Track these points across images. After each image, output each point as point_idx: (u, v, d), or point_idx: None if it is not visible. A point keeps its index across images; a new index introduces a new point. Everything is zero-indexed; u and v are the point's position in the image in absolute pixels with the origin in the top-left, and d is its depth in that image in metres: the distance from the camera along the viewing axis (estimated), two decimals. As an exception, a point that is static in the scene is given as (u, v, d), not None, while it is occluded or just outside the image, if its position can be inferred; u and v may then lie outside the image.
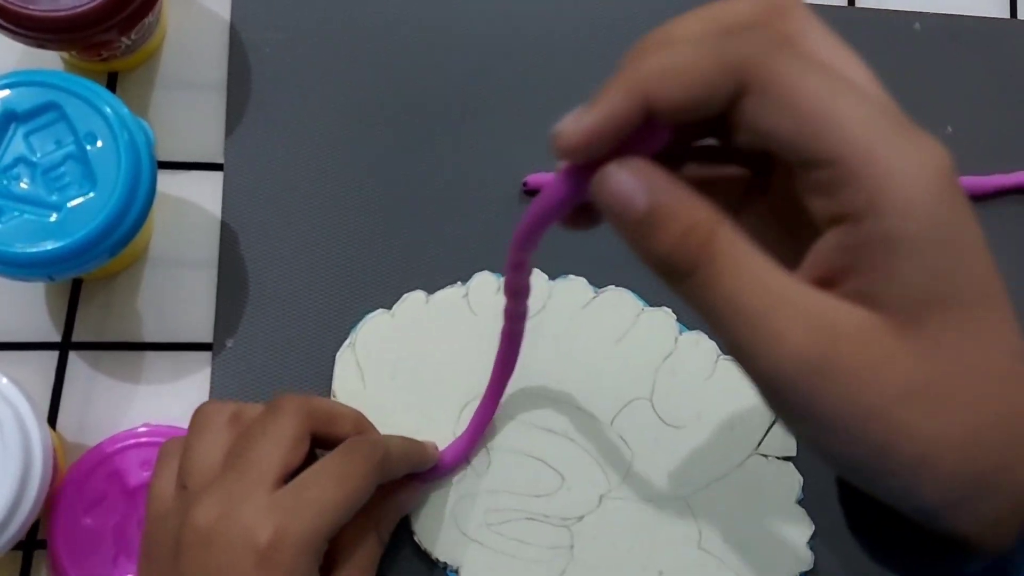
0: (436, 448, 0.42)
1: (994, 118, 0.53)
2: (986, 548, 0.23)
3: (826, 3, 0.53)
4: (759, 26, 0.25)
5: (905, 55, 0.53)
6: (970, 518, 0.23)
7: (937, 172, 0.23)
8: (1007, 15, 0.55)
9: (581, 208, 0.27)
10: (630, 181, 0.24)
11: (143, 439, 0.42)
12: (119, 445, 0.42)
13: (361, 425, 0.39)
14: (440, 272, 0.47)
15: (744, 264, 0.23)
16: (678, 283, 0.24)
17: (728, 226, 0.24)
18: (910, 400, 0.22)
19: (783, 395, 0.23)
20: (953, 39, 0.54)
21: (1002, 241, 0.52)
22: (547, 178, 0.48)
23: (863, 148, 0.23)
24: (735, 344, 0.23)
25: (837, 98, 0.23)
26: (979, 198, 0.52)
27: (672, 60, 0.24)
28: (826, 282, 0.24)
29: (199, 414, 0.37)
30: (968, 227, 0.23)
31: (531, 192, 0.49)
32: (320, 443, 0.38)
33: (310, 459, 0.37)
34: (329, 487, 0.34)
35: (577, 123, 0.25)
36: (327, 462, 0.35)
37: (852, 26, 0.53)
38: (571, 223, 0.28)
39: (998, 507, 0.23)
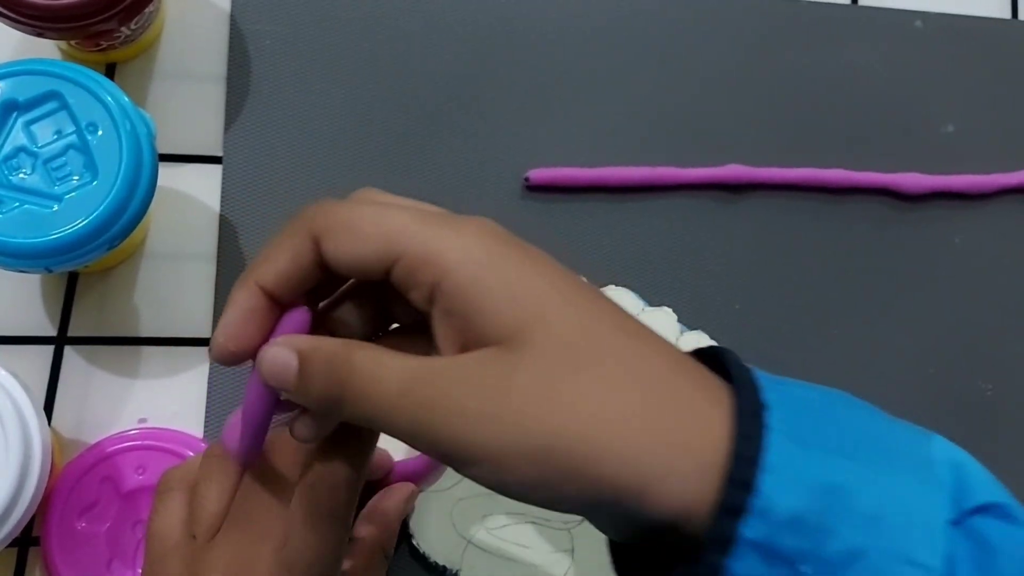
0: (390, 459, 0.41)
1: (995, 117, 0.53)
2: (692, 523, 0.25)
3: (829, 1, 0.53)
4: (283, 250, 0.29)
5: (907, 53, 0.53)
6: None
7: (482, 233, 0.27)
8: (1008, 15, 0.55)
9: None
10: (279, 351, 0.28)
11: (138, 442, 0.41)
12: (114, 448, 0.41)
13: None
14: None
15: (379, 362, 0.27)
16: (337, 412, 0.28)
17: (364, 348, 0.28)
18: (479, 422, 0.26)
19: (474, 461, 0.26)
20: (955, 38, 0.54)
21: (1003, 241, 0.52)
22: (550, 174, 0.48)
23: (416, 238, 0.27)
24: (424, 446, 0.27)
25: (387, 216, 0.28)
26: (979, 197, 0.52)
27: (266, 255, 0.29)
28: (464, 348, 0.27)
29: (211, 455, 0.34)
30: (529, 259, 0.27)
31: (533, 188, 0.48)
32: None
33: None
34: (316, 542, 0.31)
35: (220, 330, 0.29)
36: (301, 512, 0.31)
37: (854, 24, 0.53)
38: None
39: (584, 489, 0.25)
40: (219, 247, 0.46)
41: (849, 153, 0.51)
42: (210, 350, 0.29)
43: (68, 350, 0.44)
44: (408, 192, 0.47)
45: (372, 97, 0.48)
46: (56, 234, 0.37)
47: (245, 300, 0.29)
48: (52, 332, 0.44)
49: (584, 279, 0.29)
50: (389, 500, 0.40)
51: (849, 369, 0.48)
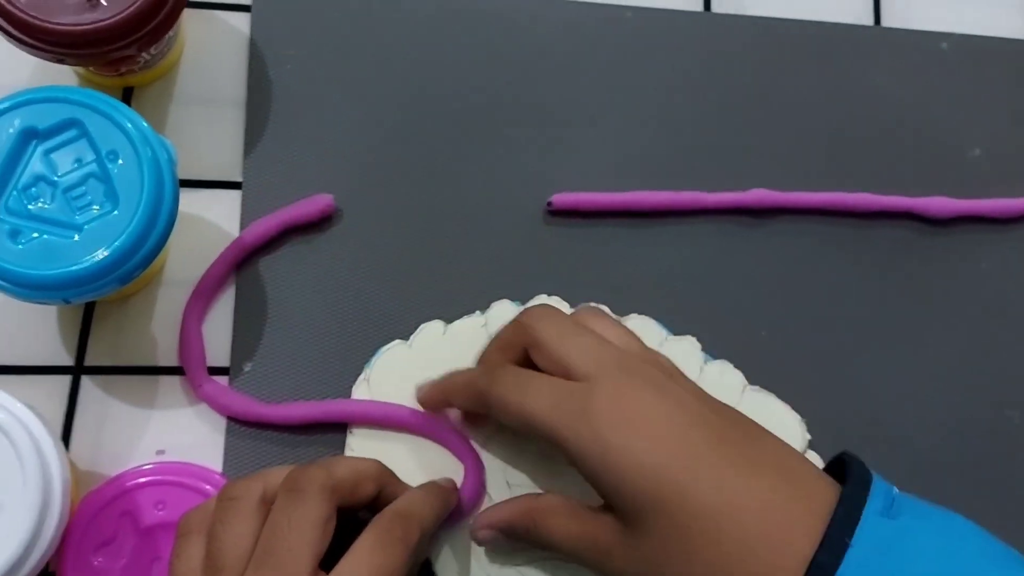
0: (456, 487, 0.40)
1: (1022, 140, 0.53)
2: None
3: (853, 22, 0.53)
4: (503, 349, 0.39)
5: (932, 76, 0.53)
6: None
7: (595, 421, 0.33)
8: (1035, 37, 0.54)
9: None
10: (488, 533, 0.39)
11: (158, 476, 0.41)
12: (133, 482, 0.40)
13: (383, 478, 0.37)
14: (459, 300, 0.45)
15: (556, 524, 0.37)
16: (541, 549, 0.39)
17: (540, 511, 0.37)
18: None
19: None
20: (981, 60, 0.53)
21: (1033, 264, 0.51)
22: (573, 198, 0.47)
23: (547, 430, 0.35)
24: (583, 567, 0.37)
25: (528, 399, 0.36)
26: (1007, 221, 0.51)
27: (457, 384, 0.40)
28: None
29: (225, 498, 0.35)
30: (631, 447, 0.33)
31: (556, 212, 0.48)
32: (345, 507, 0.36)
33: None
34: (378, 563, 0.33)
35: (421, 393, 0.42)
36: (364, 552, 0.33)
37: (879, 45, 0.53)
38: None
39: None
40: (237, 274, 0.45)
41: (874, 177, 0.51)
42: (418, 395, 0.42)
43: (85, 380, 0.43)
44: (429, 219, 0.46)
45: (393, 122, 0.48)
46: (76, 266, 0.37)
47: (439, 401, 0.41)
48: (69, 362, 0.43)
49: (711, 410, 0.35)
50: None
51: (875, 395, 0.48)
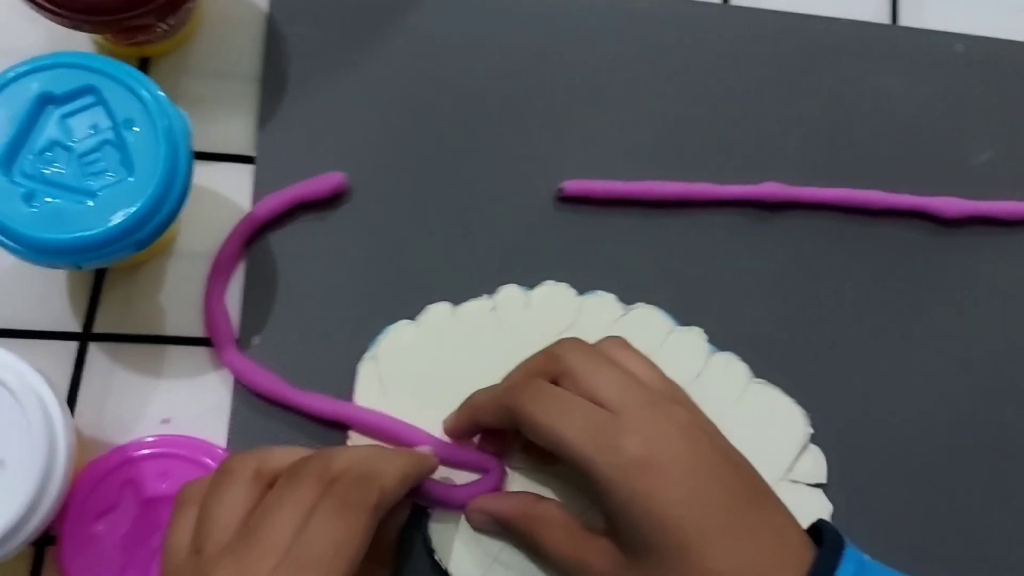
0: (434, 456, 0.40)
1: (1033, 144, 0.53)
2: None
3: (870, 19, 0.53)
4: (531, 376, 0.39)
5: (946, 77, 0.53)
6: None
7: (627, 459, 0.35)
8: (1051, 41, 0.54)
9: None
10: (483, 518, 0.41)
11: (162, 449, 0.41)
12: (137, 452, 0.41)
13: (412, 473, 0.38)
14: (467, 282, 0.45)
15: (553, 536, 0.38)
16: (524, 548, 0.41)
17: (539, 519, 0.39)
18: None
19: None
20: (996, 63, 0.53)
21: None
22: (585, 185, 0.47)
23: (578, 456, 0.36)
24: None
25: (561, 424, 0.36)
26: (1017, 224, 0.51)
27: (484, 401, 0.40)
28: (616, 533, 0.37)
29: (221, 471, 0.35)
30: (656, 493, 0.34)
31: (567, 199, 0.48)
32: None
33: None
34: (326, 563, 0.32)
35: (447, 422, 0.42)
36: (321, 521, 0.33)
37: (893, 43, 0.52)
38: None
39: None
40: (248, 248, 0.45)
41: (884, 175, 0.51)
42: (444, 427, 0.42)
43: (92, 347, 0.43)
44: (441, 200, 0.47)
45: (407, 104, 0.48)
46: (89, 231, 0.37)
47: (466, 423, 0.41)
48: (77, 328, 0.43)
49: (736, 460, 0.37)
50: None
51: (879, 392, 0.48)
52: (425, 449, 0.41)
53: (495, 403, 0.39)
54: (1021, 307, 0.51)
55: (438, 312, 0.44)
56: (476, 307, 0.45)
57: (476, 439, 0.42)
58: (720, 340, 0.46)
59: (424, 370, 0.43)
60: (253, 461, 0.36)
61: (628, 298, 0.46)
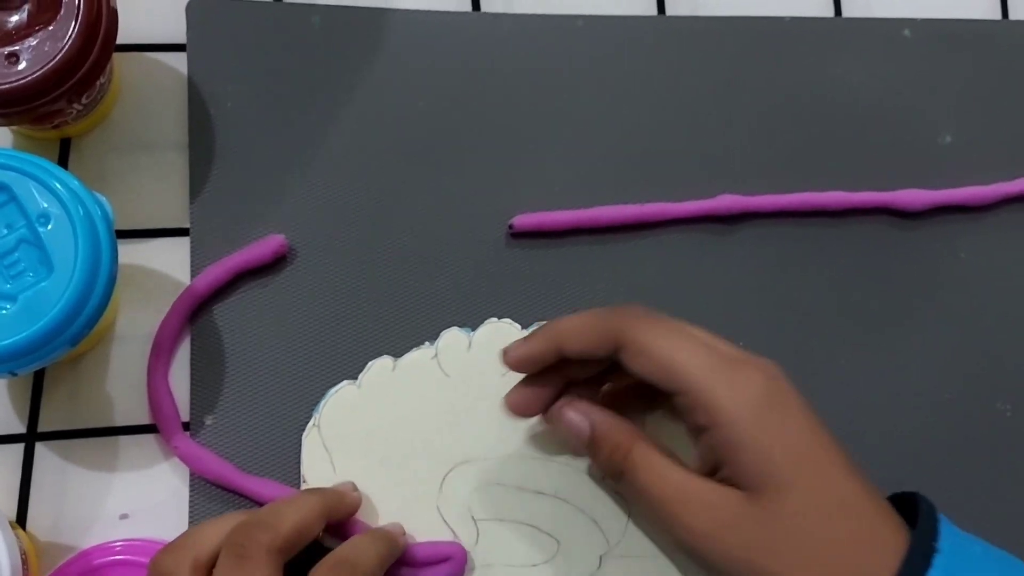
0: (403, 532, 0.40)
1: (993, 123, 0.51)
2: None
3: (812, 15, 0.51)
4: (629, 306, 0.37)
5: (896, 64, 0.51)
6: None
7: (754, 391, 0.34)
8: (999, 16, 0.53)
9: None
10: (576, 417, 0.38)
11: (120, 557, 0.39)
12: (95, 562, 0.39)
13: (329, 510, 0.37)
14: (413, 332, 0.44)
15: (652, 467, 0.36)
16: (616, 482, 0.38)
17: (641, 442, 0.36)
18: (749, 551, 0.34)
19: (693, 552, 0.35)
20: (945, 44, 0.52)
21: (1010, 251, 0.50)
22: (535, 219, 0.46)
23: (697, 384, 0.34)
24: (657, 520, 0.36)
25: (678, 350, 0.35)
26: (983, 208, 0.50)
27: (575, 323, 0.37)
28: (710, 471, 0.36)
29: (156, 571, 0.34)
30: (785, 424, 0.34)
31: (519, 235, 0.46)
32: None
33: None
34: None
35: (516, 350, 0.38)
36: None
37: (840, 36, 0.51)
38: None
39: None
40: (192, 325, 0.43)
41: (844, 173, 0.49)
42: (503, 353, 0.38)
43: (40, 447, 0.42)
44: (386, 250, 0.45)
45: (345, 151, 0.46)
46: (15, 338, 0.35)
47: (543, 349, 0.37)
48: (21, 429, 0.42)
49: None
50: None
51: (861, 398, 0.46)
52: (394, 527, 0.39)
53: (596, 326, 0.36)
54: (996, 293, 0.49)
55: (379, 368, 0.43)
56: (418, 356, 0.43)
57: (562, 402, 0.38)
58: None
59: (368, 430, 0.42)
60: (186, 553, 0.34)
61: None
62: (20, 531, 0.40)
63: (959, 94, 0.51)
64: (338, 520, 0.38)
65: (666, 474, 0.35)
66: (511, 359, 0.37)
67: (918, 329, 0.48)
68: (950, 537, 0.33)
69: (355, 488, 0.40)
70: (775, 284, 0.48)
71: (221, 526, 0.35)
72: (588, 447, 0.37)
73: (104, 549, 0.40)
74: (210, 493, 0.41)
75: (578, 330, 0.36)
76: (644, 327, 0.35)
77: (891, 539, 0.33)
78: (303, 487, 0.41)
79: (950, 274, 0.49)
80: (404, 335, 0.44)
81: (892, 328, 0.48)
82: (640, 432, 0.37)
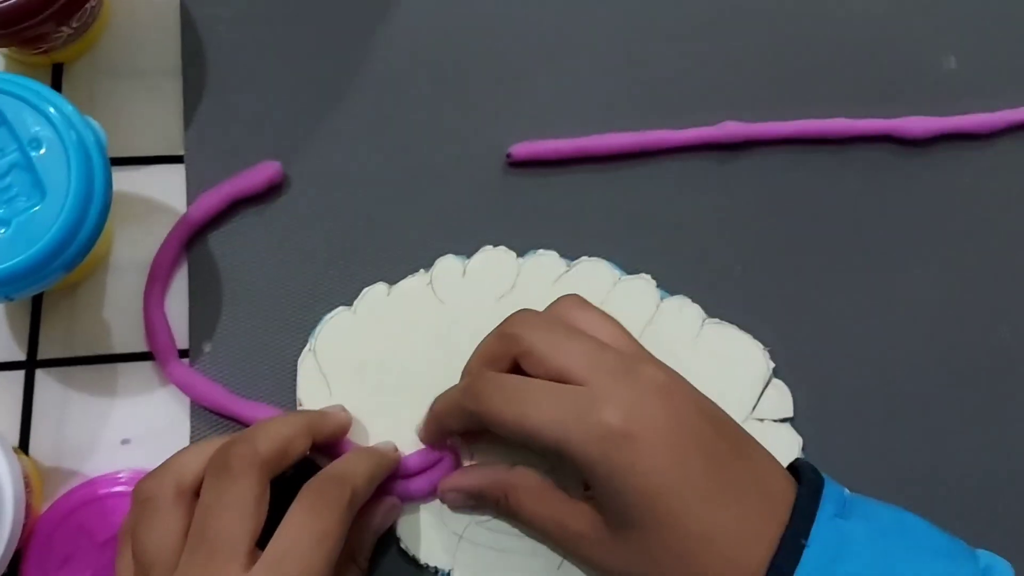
0: (396, 450, 0.40)
1: (998, 47, 0.50)
2: None
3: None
4: (489, 364, 0.37)
5: (903, -13, 0.50)
6: None
7: (605, 434, 0.33)
8: (1009, -64, 0.51)
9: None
10: (452, 495, 0.39)
11: (124, 488, 0.39)
12: (100, 491, 0.39)
13: (314, 429, 0.37)
14: (408, 259, 0.44)
15: (529, 506, 0.37)
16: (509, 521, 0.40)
17: (514, 488, 0.38)
18: (628, 567, 0.35)
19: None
20: (954, -34, 0.50)
21: (1014, 180, 0.49)
22: (532, 147, 0.45)
23: (553, 443, 0.34)
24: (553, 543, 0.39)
25: (529, 413, 0.34)
26: (987, 136, 0.49)
27: (443, 406, 0.39)
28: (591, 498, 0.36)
29: (139, 499, 0.34)
30: (636, 465, 0.33)
31: (517, 164, 0.46)
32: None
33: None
34: (306, 554, 0.32)
35: (419, 435, 0.40)
36: (296, 522, 0.33)
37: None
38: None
39: None
40: (189, 252, 0.43)
41: (848, 100, 0.48)
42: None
43: (40, 374, 0.42)
44: (381, 177, 0.44)
45: (340, 78, 0.45)
46: (9, 262, 0.35)
47: (434, 437, 0.40)
48: (21, 356, 0.42)
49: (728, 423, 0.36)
50: (366, 514, 0.38)
51: (862, 325, 0.46)
52: (386, 445, 0.39)
53: (457, 408, 0.38)
54: (1000, 222, 0.49)
55: (374, 294, 0.43)
56: (413, 283, 0.43)
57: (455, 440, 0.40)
58: (689, 288, 0.45)
59: (364, 356, 0.42)
60: (169, 477, 0.34)
61: (571, 253, 0.44)
62: (23, 456, 0.40)
63: (964, 16, 0.50)
64: (326, 440, 0.38)
65: (540, 510, 0.37)
66: (421, 439, 0.40)
67: (919, 257, 0.48)
68: (824, 529, 0.33)
69: (344, 410, 0.40)
70: (777, 213, 0.47)
71: (205, 449, 0.35)
72: (476, 508, 0.40)
73: (109, 479, 0.40)
74: (210, 419, 0.41)
75: (448, 414, 0.38)
76: (494, 399, 0.35)
77: (756, 558, 0.33)
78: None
79: (953, 202, 0.49)
80: (399, 262, 0.43)
81: (894, 256, 0.47)
82: (509, 474, 0.38)
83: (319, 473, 0.35)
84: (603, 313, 0.38)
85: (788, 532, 0.33)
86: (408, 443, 0.40)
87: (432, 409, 0.39)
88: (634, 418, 0.33)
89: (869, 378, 0.45)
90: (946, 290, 0.47)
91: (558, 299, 0.39)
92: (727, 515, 0.33)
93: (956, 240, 0.48)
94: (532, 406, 0.35)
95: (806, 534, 0.32)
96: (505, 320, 0.38)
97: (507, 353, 0.37)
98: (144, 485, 0.34)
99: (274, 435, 0.35)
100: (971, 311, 0.47)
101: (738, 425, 0.37)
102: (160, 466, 0.35)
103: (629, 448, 0.33)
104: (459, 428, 0.39)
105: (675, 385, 0.35)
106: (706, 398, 0.37)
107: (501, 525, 0.40)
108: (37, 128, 0.36)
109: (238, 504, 0.33)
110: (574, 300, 0.39)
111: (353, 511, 0.35)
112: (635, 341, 0.38)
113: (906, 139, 0.48)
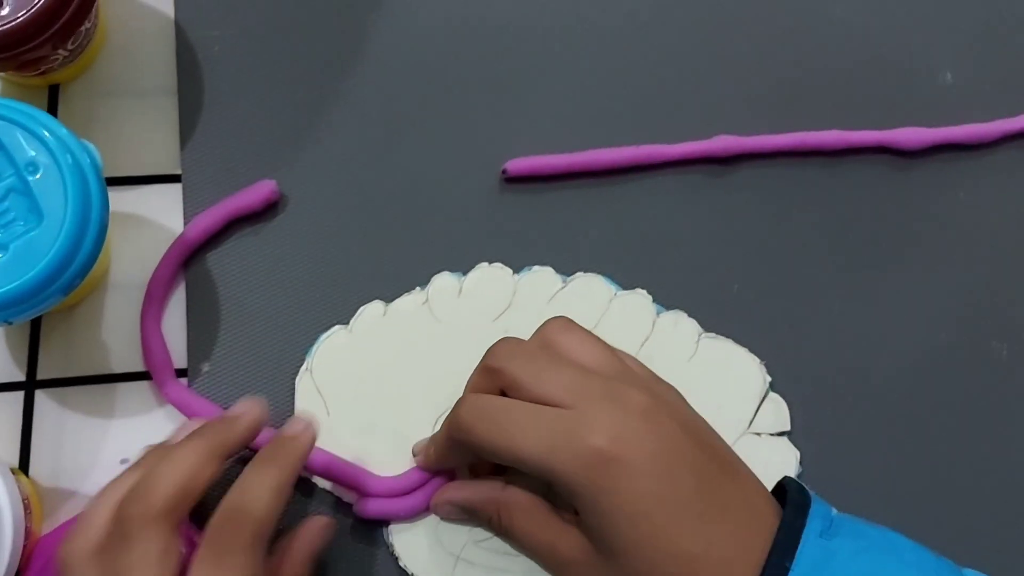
0: (311, 423, 0.37)
1: (994, 60, 0.50)
2: None
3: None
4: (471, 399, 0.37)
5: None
6: None
7: (589, 460, 0.33)
8: (1002, -52, 0.51)
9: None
10: (447, 508, 0.40)
11: None
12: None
13: (218, 448, 0.35)
14: (406, 277, 0.44)
15: (520, 525, 0.37)
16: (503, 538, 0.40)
17: (506, 505, 0.38)
18: None
19: None
20: (948, -21, 0.50)
21: (1011, 191, 0.49)
22: (528, 163, 0.45)
23: (541, 465, 0.34)
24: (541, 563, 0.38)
25: (513, 438, 0.35)
26: (983, 147, 0.49)
27: (438, 443, 0.39)
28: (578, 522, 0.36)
29: (61, 563, 0.33)
30: (620, 489, 0.33)
31: (512, 180, 0.46)
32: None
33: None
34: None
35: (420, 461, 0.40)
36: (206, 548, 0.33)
37: (842, -28, 0.50)
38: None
39: None
40: (187, 272, 0.43)
41: (843, 112, 0.49)
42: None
43: (39, 394, 0.42)
44: (383, 195, 0.45)
45: (335, 96, 0.46)
46: (7, 287, 0.35)
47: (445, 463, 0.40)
48: (20, 377, 0.42)
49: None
50: (300, 536, 0.37)
51: (858, 338, 0.46)
52: (295, 423, 0.37)
53: (448, 441, 0.38)
54: (996, 234, 0.49)
55: (371, 313, 0.43)
56: (409, 302, 0.43)
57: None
58: (685, 303, 0.45)
59: (360, 375, 0.42)
60: (82, 541, 0.33)
61: (566, 269, 0.45)
62: (23, 477, 0.40)
63: (960, 30, 0.50)
64: (239, 449, 0.36)
65: (531, 531, 0.37)
66: (424, 468, 0.40)
67: (915, 270, 0.48)
68: (810, 548, 0.33)
69: (258, 404, 0.37)
70: (772, 226, 0.47)
71: (108, 502, 0.33)
72: (469, 521, 0.40)
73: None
74: (207, 438, 0.41)
75: (443, 452, 0.39)
76: (480, 425, 0.35)
77: (747, 570, 0.33)
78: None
79: (949, 214, 0.49)
80: (395, 279, 0.44)
81: (889, 269, 0.48)
82: (502, 492, 0.38)
83: (218, 509, 0.33)
84: (589, 335, 0.38)
85: (773, 553, 0.33)
86: (406, 461, 0.41)
87: (428, 450, 0.40)
88: (619, 442, 0.33)
89: (866, 391, 0.45)
90: (943, 303, 0.47)
91: (544, 323, 0.39)
92: (714, 535, 0.33)
93: (953, 252, 0.48)
94: (517, 431, 0.35)
95: (792, 554, 0.32)
96: (487, 352, 0.38)
97: (492, 387, 0.37)
98: (62, 553, 0.33)
99: (170, 477, 0.33)
100: (969, 324, 0.47)
101: (726, 445, 0.37)
102: (73, 529, 0.33)
103: (614, 472, 0.33)
104: (458, 464, 0.39)
105: (660, 407, 0.35)
106: (695, 418, 0.37)
107: (498, 545, 0.40)
108: (33, 152, 0.36)
109: (140, 567, 0.31)
110: (559, 324, 0.38)
111: (262, 543, 0.33)
112: (622, 362, 0.38)
113: (901, 151, 0.48)
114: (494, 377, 0.36)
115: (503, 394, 0.36)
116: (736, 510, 0.34)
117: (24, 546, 0.36)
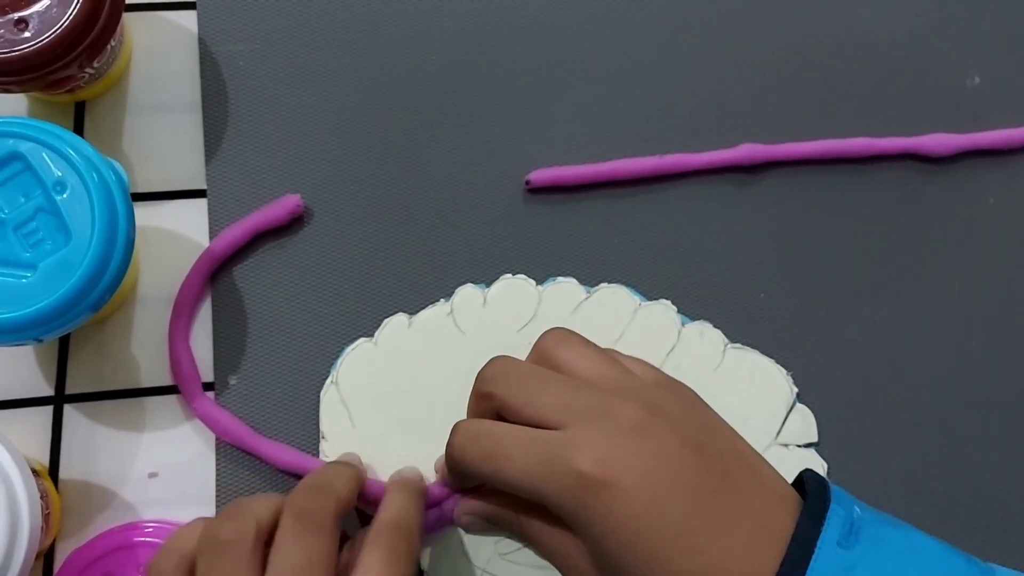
0: (422, 479, 0.40)
1: (1022, 62, 0.50)
2: None
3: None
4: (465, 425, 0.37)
5: (922, 4, 0.50)
6: None
7: (576, 483, 0.33)
8: (1031, -50, 0.51)
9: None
10: (467, 519, 0.39)
11: (138, 538, 0.40)
12: (112, 543, 0.40)
13: (360, 483, 0.37)
14: (431, 289, 0.44)
15: (534, 533, 0.36)
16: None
17: (521, 514, 0.37)
18: None
19: None
20: (975, -18, 0.50)
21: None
22: (551, 174, 0.45)
23: (531, 491, 0.34)
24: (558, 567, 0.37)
25: (501, 465, 0.34)
26: (1012, 152, 0.49)
27: (440, 466, 0.40)
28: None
29: (213, 542, 0.32)
30: (610, 512, 0.32)
31: (536, 190, 0.46)
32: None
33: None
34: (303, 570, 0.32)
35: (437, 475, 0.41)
36: (287, 541, 0.32)
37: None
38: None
39: None
40: (213, 286, 0.44)
41: (870, 118, 0.48)
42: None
43: (68, 409, 0.42)
44: (402, 207, 0.45)
45: (358, 109, 0.46)
46: (37, 306, 0.35)
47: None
48: (49, 392, 0.43)
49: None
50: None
51: (886, 348, 0.46)
52: (410, 473, 0.40)
53: (445, 469, 0.38)
54: (1025, 239, 0.48)
55: (395, 325, 0.43)
56: (433, 314, 0.43)
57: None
58: (711, 313, 0.45)
59: (385, 387, 0.42)
60: (250, 526, 0.33)
61: (590, 280, 0.45)
62: (50, 485, 0.40)
63: (986, 34, 0.50)
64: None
65: (549, 541, 0.36)
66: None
67: (945, 277, 0.47)
68: (825, 558, 0.31)
69: (360, 461, 0.40)
70: (798, 235, 0.47)
71: (269, 499, 0.34)
72: (492, 530, 0.39)
73: (140, 528, 0.40)
74: (234, 453, 0.42)
75: (449, 480, 0.39)
76: (471, 453, 0.35)
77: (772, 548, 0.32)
78: (322, 443, 0.41)
79: (979, 220, 0.48)
80: (419, 292, 0.44)
81: (918, 277, 0.47)
82: (522, 501, 0.37)
83: (384, 520, 0.35)
84: (587, 345, 0.37)
85: (784, 567, 0.31)
86: (430, 474, 0.41)
87: (441, 472, 0.40)
88: (607, 463, 0.32)
89: (894, 402, 0.45)
90: (973, 310, 0.47)
91: (541, 336, 0.38)
92: (715, 551, 0.32)
93: (981, 258, 0.48)
94: (505, 457, 0.34)
95: (804, 568, 0.31)
96: (478, 376, 0.37)
97: (488, 411, 0.37)
98: (221, 527, 0.33)
99: (348, 482, 0.35)
100: (998, 331, 0.47)
101: (736, 454, 0.35)
102: (235, 510, 0.34)
103: (604, 494, 0.32)
104: (465, 486, 0.39)
105: (655, 420, 0.34)
106: (703, 424, 0.35)
107: (523, 558, 0.40)
108: (60, 172, 0.36)
109: (326, 561, 0.32)
110: (555, 336, 0.38)
111: (340, 523, 0.34)
112: (623, 370, 0.37)
113: (928, 157, 0.48)
114: (486, 402, 0.36)
115: (500, 417, 0.36)
116: (742, 523, 0.33)
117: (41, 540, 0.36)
